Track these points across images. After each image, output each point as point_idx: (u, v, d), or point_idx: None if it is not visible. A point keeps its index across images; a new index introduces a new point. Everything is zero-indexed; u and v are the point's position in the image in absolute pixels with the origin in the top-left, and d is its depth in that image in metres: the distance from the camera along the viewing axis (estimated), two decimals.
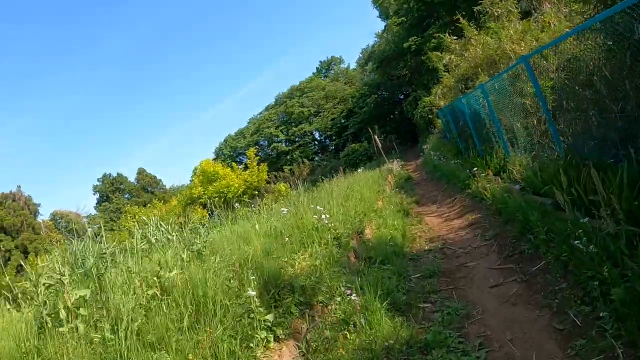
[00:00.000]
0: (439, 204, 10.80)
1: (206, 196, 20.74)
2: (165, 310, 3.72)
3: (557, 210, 4.78)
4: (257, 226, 6.48)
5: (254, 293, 3.62)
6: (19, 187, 51.76)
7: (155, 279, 4.16)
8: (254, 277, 4.03)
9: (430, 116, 25.09)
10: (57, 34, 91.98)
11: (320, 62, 59.40)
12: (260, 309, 3.58)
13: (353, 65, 57.95)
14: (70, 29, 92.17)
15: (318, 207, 6.53)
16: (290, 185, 42.85)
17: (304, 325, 3.90)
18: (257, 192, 22.43)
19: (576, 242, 3.63)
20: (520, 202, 5.72)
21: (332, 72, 58.59)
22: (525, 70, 6.42)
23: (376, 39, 42.61)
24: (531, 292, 4.04)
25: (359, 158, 40.23)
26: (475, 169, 9.71)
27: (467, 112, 11.73)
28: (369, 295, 4.14)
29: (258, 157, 24.09)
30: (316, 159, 50.74)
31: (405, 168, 23.30)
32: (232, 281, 4.20)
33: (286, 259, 5.04)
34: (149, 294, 4.00)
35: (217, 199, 20.43)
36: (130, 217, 20.55)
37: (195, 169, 22.01)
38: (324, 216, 6.10)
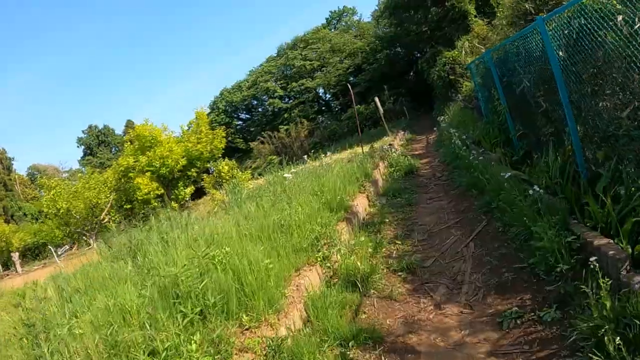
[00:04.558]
0: (476, 316, 3.95)
1: (138, 168, 16.08)
2: None
3: None
4: None
5: None
6: None
7: None
8: None
9: (451, 76, 19.45)
10: None
11: (331, 12, 51.43)
12: None
13: (368, 19, 50.33)
14: None
15: None
16: (279, 150, 37.69)
17: None
18: (207, 165, 17.66)
19: None
20: None
21: (344, 24, 50.93)
22: None
23: None
24: None
25: (362, 122, 35.10)
26: (591, 233, 3.78)
27: (554, 55, 4.82)
28: None
29: (209, 119, 19.06)
30: (320, 118, 45.06)
31: (410, 145, 17.08)
32: None
33: None
34: None
35: (148, 173, 15.71)
36: (46, 191, 16.31)
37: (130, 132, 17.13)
38: None
